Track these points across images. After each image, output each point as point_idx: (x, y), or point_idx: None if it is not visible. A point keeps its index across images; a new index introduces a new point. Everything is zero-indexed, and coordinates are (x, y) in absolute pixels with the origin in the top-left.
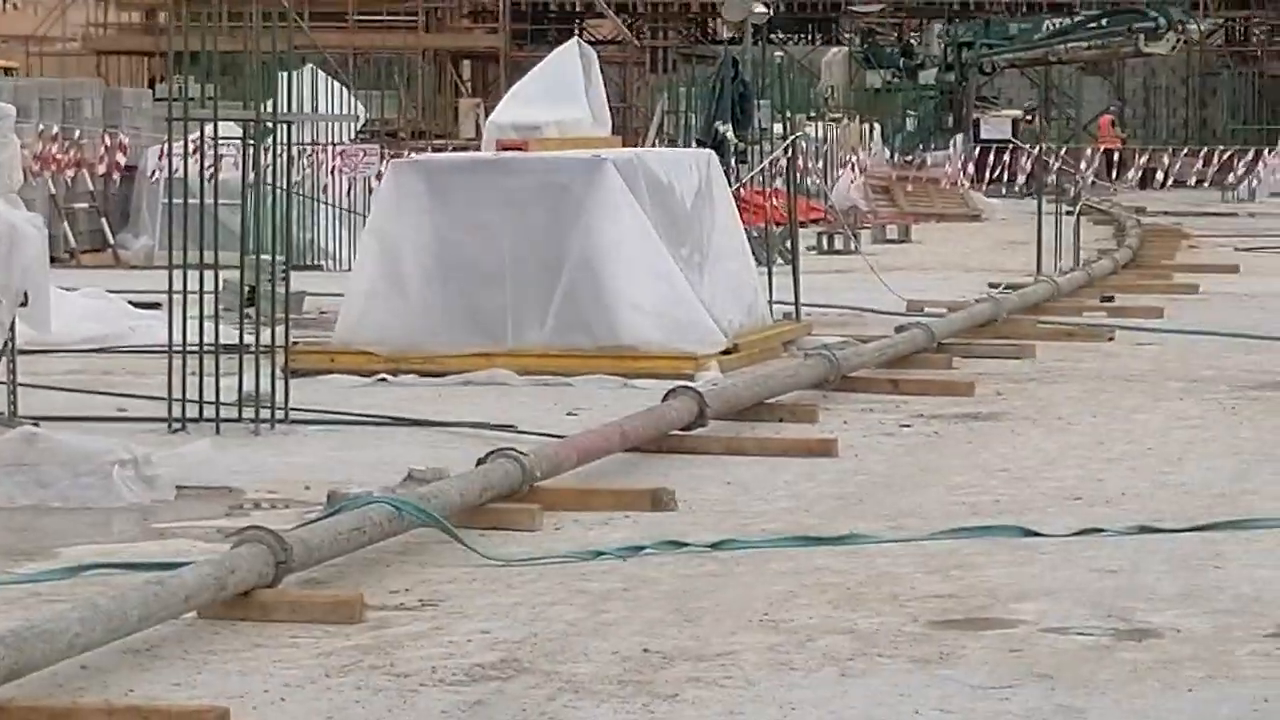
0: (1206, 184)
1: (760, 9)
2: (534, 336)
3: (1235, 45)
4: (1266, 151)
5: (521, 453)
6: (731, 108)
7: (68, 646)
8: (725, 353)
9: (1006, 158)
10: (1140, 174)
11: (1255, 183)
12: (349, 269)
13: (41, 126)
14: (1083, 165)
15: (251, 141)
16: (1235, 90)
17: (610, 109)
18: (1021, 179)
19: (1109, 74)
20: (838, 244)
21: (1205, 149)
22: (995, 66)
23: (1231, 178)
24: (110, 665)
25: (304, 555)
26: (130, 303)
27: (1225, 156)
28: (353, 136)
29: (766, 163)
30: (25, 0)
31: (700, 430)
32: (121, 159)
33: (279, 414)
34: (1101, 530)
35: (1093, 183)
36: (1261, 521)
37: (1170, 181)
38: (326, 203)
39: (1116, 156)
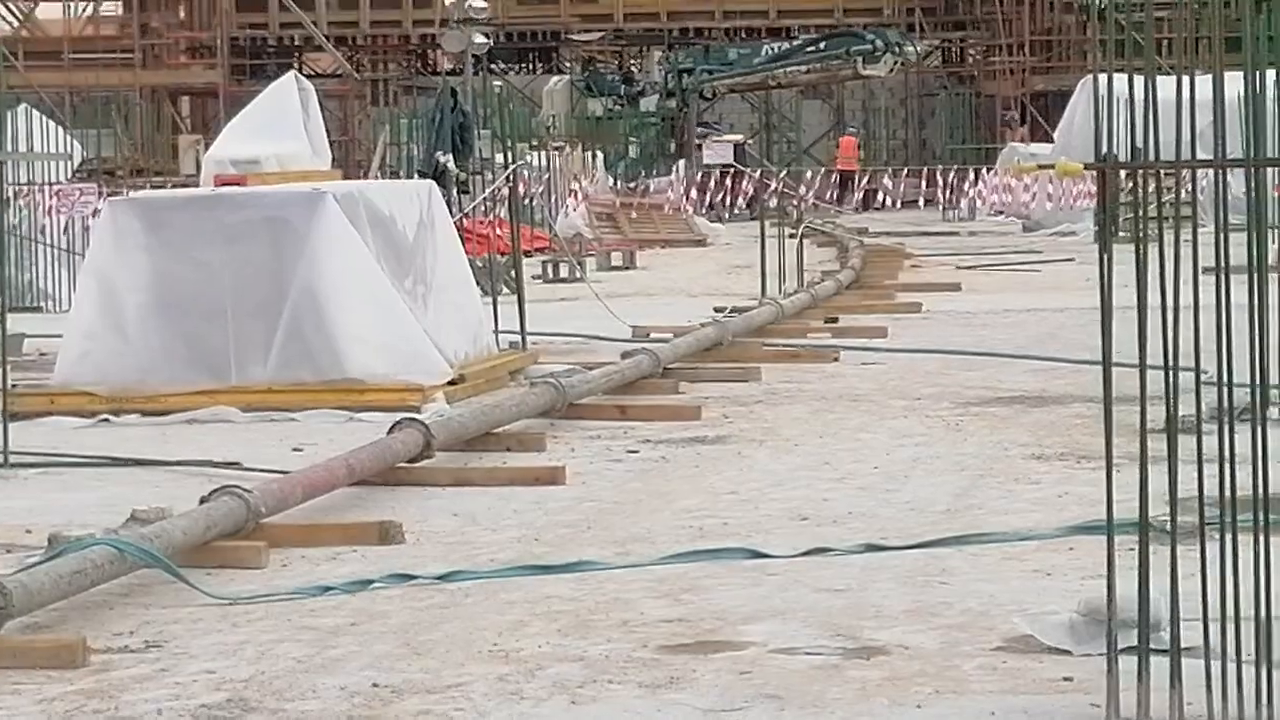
0: (929, 203)
1: (480, 39)
2: (258, 372)
3: (952, 66)
4: (985, 170)
5: (246, 490)
6: (452, 138)
7: None
8: (451, 383)
9: (729, 182)
10: (862, 195)
11: (975, 202)
12: (68, 310)
13: None
14: (802, 189)
15: None
16: (953, 110)
17: (331, 142)
18: (744, 203)
19: (829, 97)
20: (563, 272)
21: (925, 169)
22: (716, 92)
23: (951, 197)
24: None
25: (25, 600)
26: None
27: (946, 176)
28: (69, 175)
29: (488, 192)
30: None
31: (427, 461)
32: None
33: None
34: (829, 550)
35: (815, 205)
36: (986, 536)
37: (895, 203)
38: (44, 243)
39: (854, 178)
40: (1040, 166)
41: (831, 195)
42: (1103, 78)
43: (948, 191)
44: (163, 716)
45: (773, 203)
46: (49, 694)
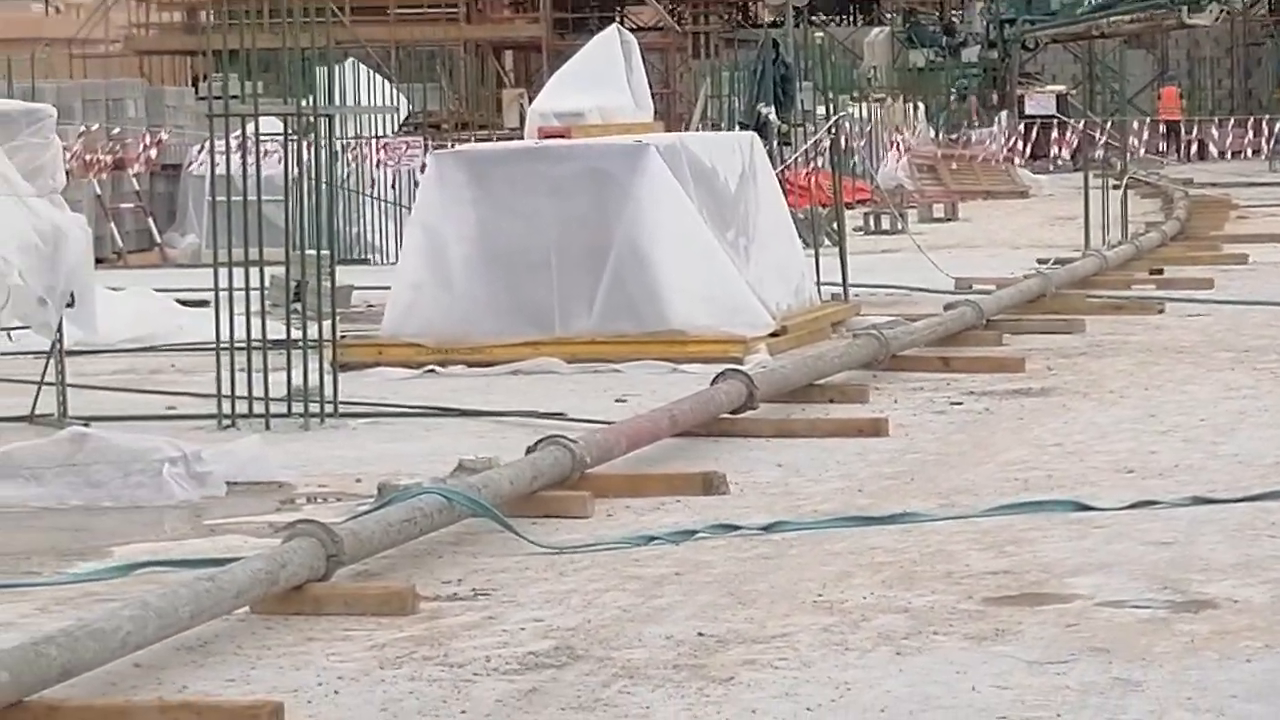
0: (1255, 153)
1: None
2: (581, 324)
3: (1279, 15)
4: None
5: (571, 440)
6: (774, 90)
7: (120, 645)
8: (773, 335)
9: (1052, 133)
10: (1188, 146)
11: None
12: (395, 262)
13: (84, 128)
14: (1130, 140)
15: (294, 136)
16: None
17: (653, 95)
18: (1067, 154)
19: (1152, 47)
20: (884, 224)
21: (1252, 118)
22: (1038, 42)
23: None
24: (163, 663)
25: (355, 548)
26: (178, 301)
27: (1273, 126)
28: (396, 129)
29: (810, 144)
30: (68, 4)
31: (750, 413)
32: (154, 154)
33: (328, 408)
34: (1156, 503)
35: (1144, 155)
36: None
37: (1221, 153)
38: (371, 196)
39: (1179, 128)
40: None
41: (1157, 146)
42: None
43: (1274, 141)
44: (491, 663)
45: (1098, 154)
46: (379, 640)
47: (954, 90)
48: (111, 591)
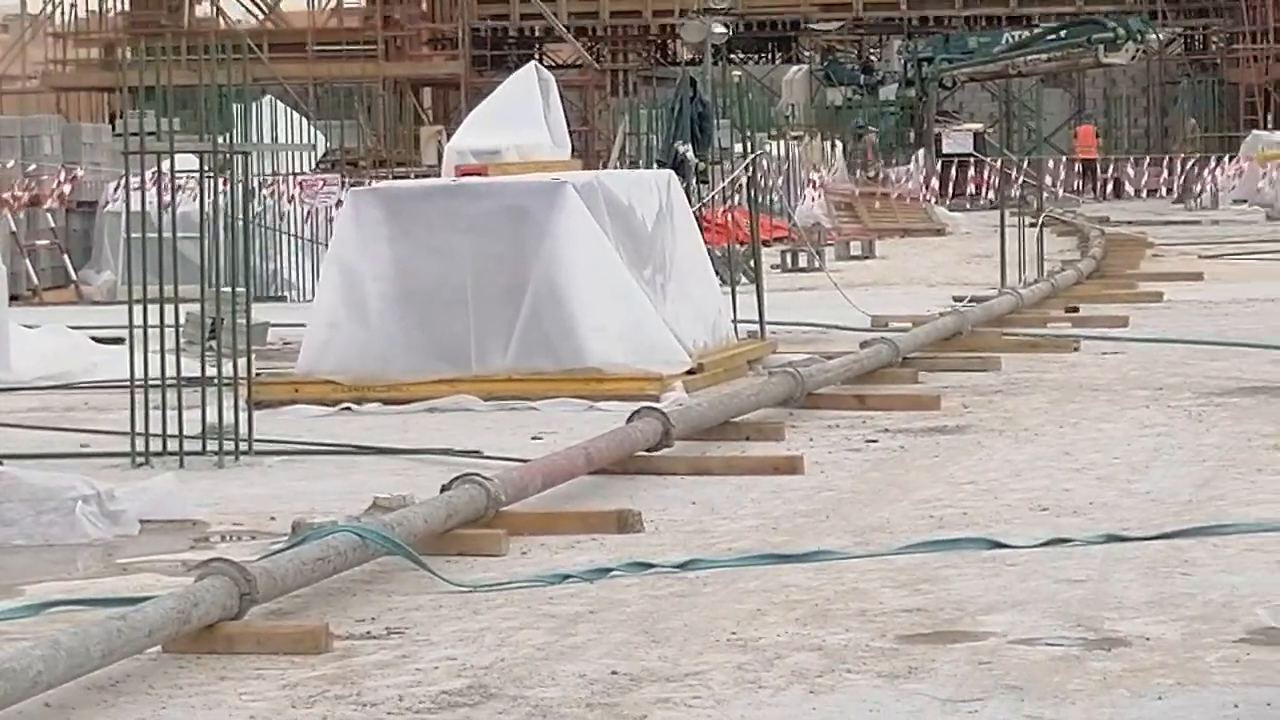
0: (1170, 193)
1: (719, 29)
2: (498, 362)
3: (1194, 54)
4: (1227, 158)
5: (486, 478)
6: (691, 128)
7: (31, 685)
8: (690, 373)
9: (970, 171)
10: (1104, 184)
11: (1217, 190)
12: (311, 299)
13: None
14: (1047, 178)
15: (210, 173)
16: (1195, 98)
17: (571, 132)
18: (984, 192)
19: (1069, 85)
20: (801, 262)
21: (1167, 158)
22: (955, 81)
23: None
24: (75, 702)
25: (269, 587)
26: (93, 338)
27: (1188, 165)
28: (313, 166)
29: (727, 182)
30: None
31: (666, 451)
32: (70, 191)
33: (243, 446)
34: (1069, 540)
35: (1057, 194)
36: (1229, 527)
37: (1136, 191)
38: (287, 233)
39: (1095, 166)
40: None
41: (1074, 184)
42: None
43: (1183, 180)
44: (404, 703)
45: (1015, 192)
46: (292, 679)
47: (855, 129)
48: (23, 631)
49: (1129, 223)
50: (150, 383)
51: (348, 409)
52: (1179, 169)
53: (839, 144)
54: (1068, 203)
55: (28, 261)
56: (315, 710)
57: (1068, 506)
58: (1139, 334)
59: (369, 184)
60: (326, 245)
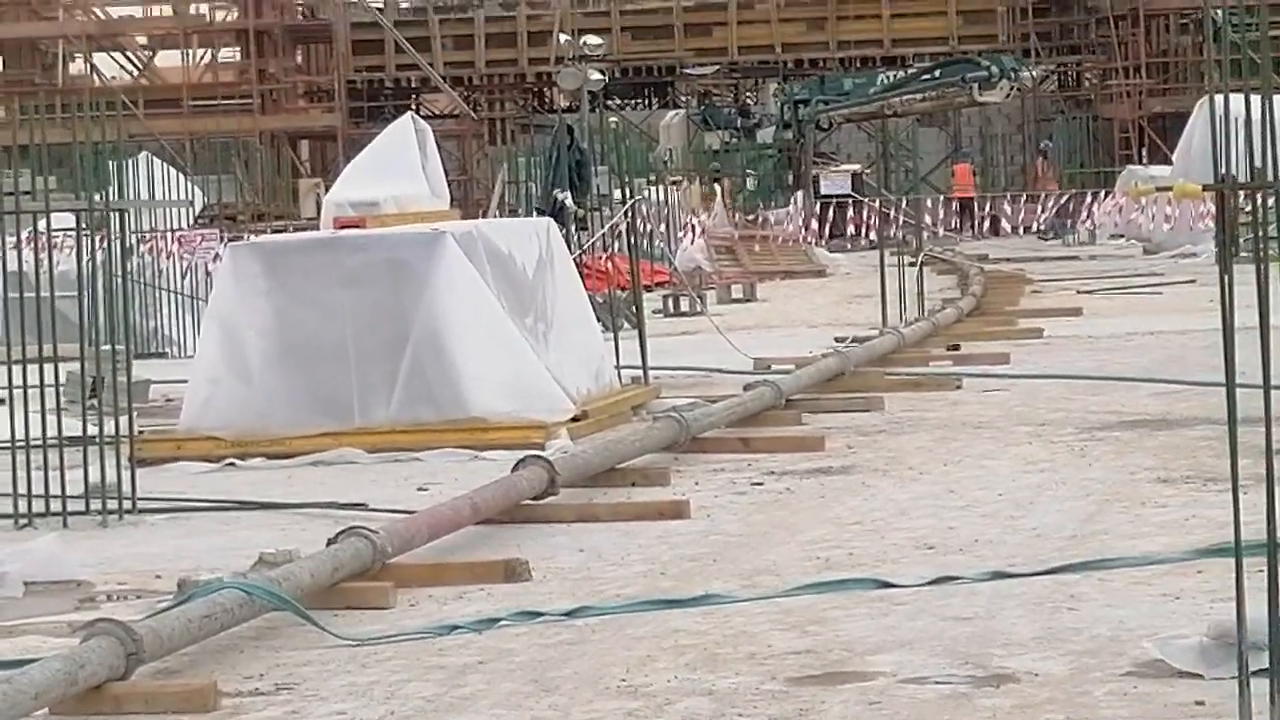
0: (1044, 231)
1: (595, 76)
2: (381, 414)
3: (1068, 90)
4: (1103, 194)
5: (372, 530)
6: (569, 175)
7: None
8: (574, 420)
9: (848, 212)
10: (982, 222)
11: (1093, 226)
12: (192, 355)
13: None
14: (926, 217)
15: (87, 231)
16: (1070, 135)
17: (450, 182)
18: (863, 232)
19: (945, 124)
20: (683, 306)
21: (1043, 194)
22: (832, 122)
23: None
24: None
25: (155, 646)
26: None
27: (1063, 201)
28: (191, 222)
29: (607, 228)
30: None
31: (552, 499)
32: None
33: (127, 504)
34: (956, 578)
35: (935, 233)
36: (1114, 561)
37: (1013, 228)
38: (167, 289)
39: (973, 205)
40: (1159, 189)
41: (951, 223)
42: (1219, 98)
43: (1045, 215)
44: None
45: (895, 232)
46: None
47: (750, 171)
48: None
49: (1008, 259)
50: (32, 443)
51: (231, 464)
52: (1055, 205)
53: (718, 187)
54: (947, 241)
55: None
56: None
57: (953, 544)
58: (1020, 370)
59: (248, 238)
60: (206, 301)
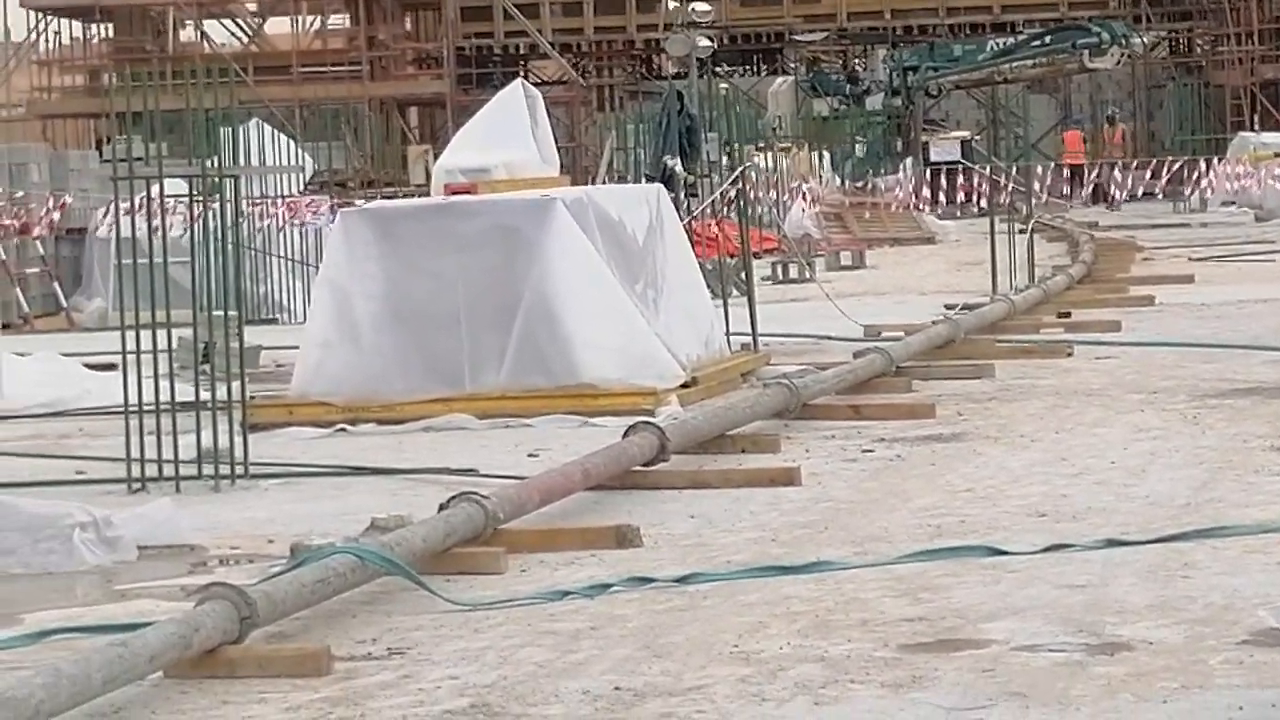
0: (1158, 195)
1: (704, 42)
2: (492, 379)
3: (1179, 57)
4: (1215, 161)
5: (484, 496)
6: (679, 142)
7: (34, 712)
8: (684, 386)
9: (957, 179)
10: (1093, 189)
11: (1207, 193)
12: (303, 321)
13: None
14: (1036, 185)
15: (199, 198)
16: (1181, 101)
17: (558, 149)
18: (973, 200)
19: (1055, 91)
20: (792, 273)
21: (1154, 161)
22: (941, 89)
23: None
24: None
25: (268, 610)
26: (85, 365)
27: (1175, 168)
28: (301, 188)
29: (716, 195)
30: None
31: (662, 465)
32: (58, 218)
33: (239, 469)
34: (1069, 546)
35: (1045, 200)
36: (1228, 529)
37: (1125, 195)
38: (278, 255)
39: (1082, 172)
40: (1276, 154)
41: (1061, 189)
42: None
43: (1180, 183)
44: None
45: (1004, 199)
46: (295, 702)
47: (859, 138)
48: (23, 659)
49: (1118, 226)
50: (144, 408)
51: (342, 430)
52: (1166, 172)
53: (826, 154)
54: (1056, 208)
55: (18, 290)
56: None
57: (1066, 512)
58: (1132, 338)
59: (358, 204)
60: (317, 267)
